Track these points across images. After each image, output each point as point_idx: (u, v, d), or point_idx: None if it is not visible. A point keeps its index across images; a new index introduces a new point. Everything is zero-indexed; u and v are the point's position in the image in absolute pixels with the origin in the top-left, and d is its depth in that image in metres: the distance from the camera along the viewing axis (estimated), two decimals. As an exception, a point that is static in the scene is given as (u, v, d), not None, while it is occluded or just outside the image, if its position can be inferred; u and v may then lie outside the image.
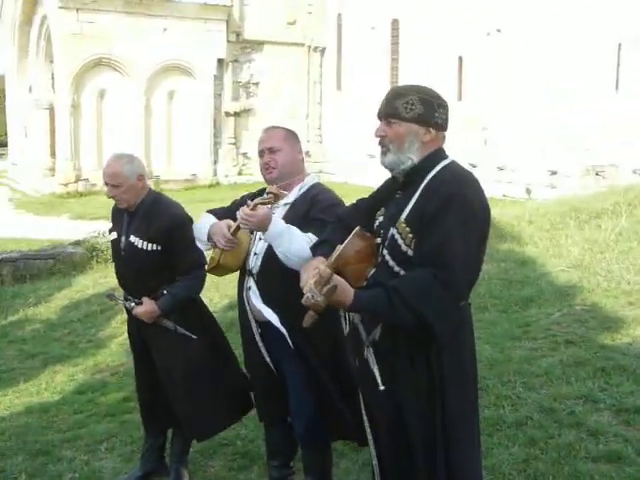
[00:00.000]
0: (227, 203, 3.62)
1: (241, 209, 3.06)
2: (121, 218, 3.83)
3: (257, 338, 3.37)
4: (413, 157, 2.51)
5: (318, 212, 3.11)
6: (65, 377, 6.24)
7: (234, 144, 24.53)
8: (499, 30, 19.03)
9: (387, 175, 2.75)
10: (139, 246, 3.69)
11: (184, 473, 3.89)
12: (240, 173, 24.20)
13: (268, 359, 3.38)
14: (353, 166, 23.59)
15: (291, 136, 3.34)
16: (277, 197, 3.08)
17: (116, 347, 6.91)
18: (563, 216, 9.83)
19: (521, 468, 3.61)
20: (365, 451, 3.92)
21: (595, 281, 6.76)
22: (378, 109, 2.58)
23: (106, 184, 3.71)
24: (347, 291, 2.31)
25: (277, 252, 3.03)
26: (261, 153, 3.29)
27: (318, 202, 3.19)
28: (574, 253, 7.84)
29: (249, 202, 3.06)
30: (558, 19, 17.20)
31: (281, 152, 3.24)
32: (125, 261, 3.79)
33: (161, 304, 3.67)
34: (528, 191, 17.87)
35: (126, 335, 6.61)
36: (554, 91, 17.31)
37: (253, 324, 3.36)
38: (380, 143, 2.57)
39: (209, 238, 3.27)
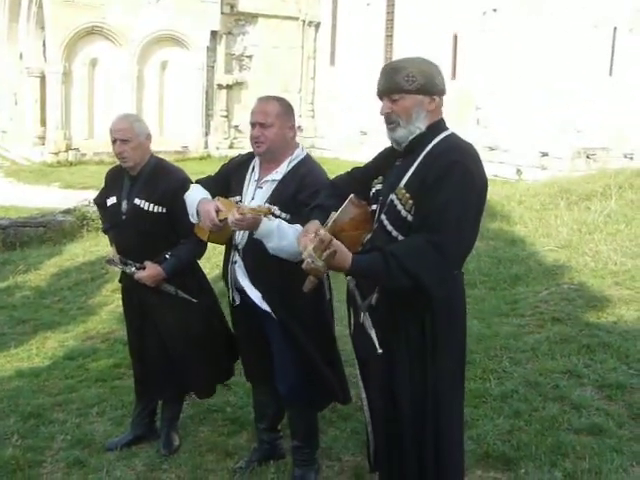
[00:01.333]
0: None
1: (232, 213, 3.01)
2: (120, 182, 3.80)
3: (238, 305, 3.43)
4: (421, 126, 2.56)
5: (306, 197, 3.10)
6: (55, 343, 6.27)
7: (226, 117, 24.40)
8: (495, 10, 18.95)
9: (379, 151, 2.78)
10: (145, 208, 3.68)
11: (174, 437, 3.94)
12: (231, 146, 24.05)
13: (251, 325, 3.44)
14: (345, 142, 23.54)
15: (284, 111, 3.29)
16: (268, 214, 3.00)
17: (106, 315, 6.94)
18: (553, 197, 9.89)
19: (505, 438, 3.70)
20: (353, 419, 4.01)
21: (583, 261, 6.85)
22: (377, 88, 2.60)
23: (114, 142, 3.68)
24: (345, 255, 2.36)
25: (267, 247, 3.05)
26: (253, 125, 3.27)
27: (306, 186, 3.18)
28: (563, 233, 7.92)
29: (240, 205, 3.02)
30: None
31: (272, 128, 3.22)
32: (126, 226, 3.75)
33: (166, 267, 3.68)
34: (519, 172, 17.91)
35: (117, 303, 6.68)
36: (548, 72, 17.28)
37: (237, 297, 3.42)
38: (387, 120, 2.59)
39: (198, 213, 3.28)
